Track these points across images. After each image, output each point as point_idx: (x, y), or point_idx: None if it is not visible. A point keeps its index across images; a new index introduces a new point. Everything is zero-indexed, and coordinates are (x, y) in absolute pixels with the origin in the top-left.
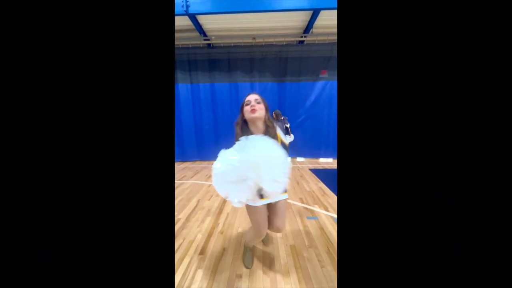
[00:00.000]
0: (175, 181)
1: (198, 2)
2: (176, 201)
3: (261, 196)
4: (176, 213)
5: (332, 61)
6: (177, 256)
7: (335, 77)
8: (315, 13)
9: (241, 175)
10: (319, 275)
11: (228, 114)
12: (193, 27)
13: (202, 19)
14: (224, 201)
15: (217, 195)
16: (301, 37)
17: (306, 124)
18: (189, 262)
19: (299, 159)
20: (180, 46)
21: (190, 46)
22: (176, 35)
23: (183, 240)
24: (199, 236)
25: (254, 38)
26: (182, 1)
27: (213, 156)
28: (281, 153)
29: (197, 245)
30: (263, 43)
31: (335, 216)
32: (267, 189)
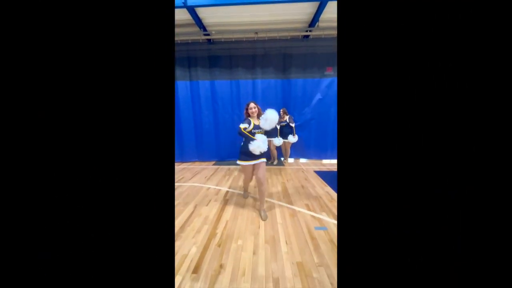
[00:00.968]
0: None
1: None
2: None
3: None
4: None
5: None
6: None
7: None
8: (322, 5)
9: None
10: None
11: (229, 112)
12: (193, 21)
13: (201, 12)
14: (223, 207)
15: (216, 200)
16: (306, 31)
17: (311, 124)
18: (181, 282)
19: (302, 160)
20: (179, 41)
21: (190, 41)
22: (175, 30)
23: (175, 255)
24: (193, 250)
25: (256, 33)
26: None
27: (213, 157)
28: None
29: (191, 260)
30: (266, 38)
31: None
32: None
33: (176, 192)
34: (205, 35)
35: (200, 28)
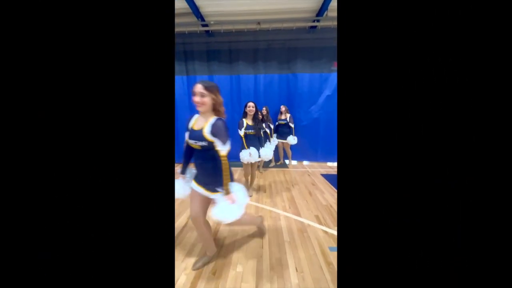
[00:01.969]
0: None
1: None
2: None
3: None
4: None
5: None
6: None
7: None
8: None
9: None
10: None
11: (229, 109)
12: (189, 10)
13: (199, 0)
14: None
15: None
16: (314, 21)
17: (319, 122)
18: None
19: (305, 162)
20: (175, 33)
21: (186, 32)
22: None
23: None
24: (183, 279)
25: (259, 23)
26: None
27: None
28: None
29: None
30: (269, 29)
31: None
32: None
33: None
34: (203, 25)
35: (197, 18)
